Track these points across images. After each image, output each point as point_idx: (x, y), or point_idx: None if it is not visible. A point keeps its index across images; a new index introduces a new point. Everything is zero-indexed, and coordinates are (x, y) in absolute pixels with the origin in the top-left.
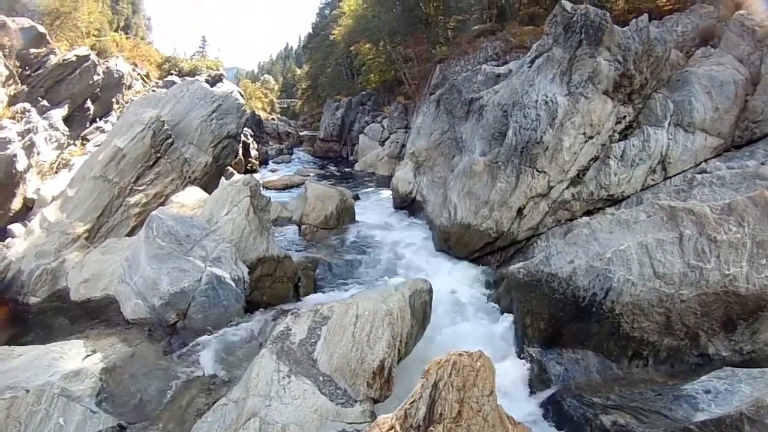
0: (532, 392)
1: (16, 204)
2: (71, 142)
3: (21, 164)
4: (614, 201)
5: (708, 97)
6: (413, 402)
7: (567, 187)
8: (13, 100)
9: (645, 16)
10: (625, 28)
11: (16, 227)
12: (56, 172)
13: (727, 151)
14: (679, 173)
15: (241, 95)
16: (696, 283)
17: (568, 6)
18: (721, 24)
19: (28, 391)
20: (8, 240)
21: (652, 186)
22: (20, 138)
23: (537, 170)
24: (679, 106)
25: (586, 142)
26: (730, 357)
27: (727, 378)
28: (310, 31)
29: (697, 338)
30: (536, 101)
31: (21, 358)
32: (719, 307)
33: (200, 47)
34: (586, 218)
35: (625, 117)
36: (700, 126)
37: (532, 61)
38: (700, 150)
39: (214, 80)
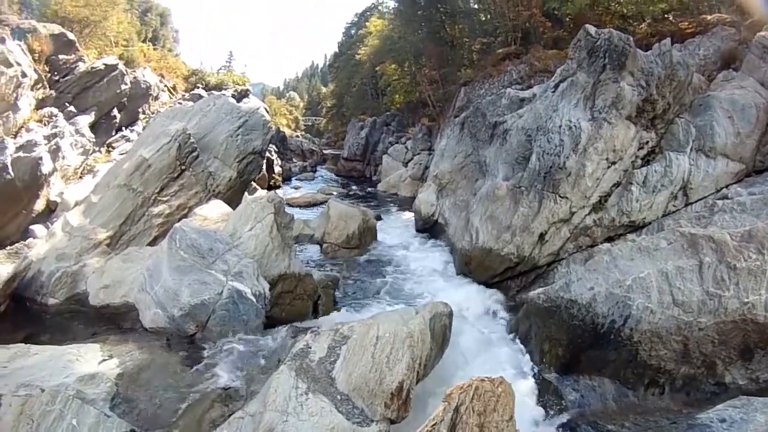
0: (547, 418)
1: (39, 205)
2: (96, 148)
3: (46, 167)
4: (635, 227)
5: (730, 122)
6: (434, 425)
7: (589, 213)
8: (40, 104)
9: (668, 40)
10: (648, 53)
11: (37, 228)
12: (80, 177)
13: (748, 176)
14: (700, 199)
15: (267, 112)
16: (714, 311)
17: (592, 30)
18: (742, 46)
19: (43, 390)
20: (29, 240)
21: (674, 212)
22: (46, 141)
23: (559, 196)
24: (701, 131)
25: (608, 167)
26: (746, 385)
27: (743, 407)
28: (336, 50)
29: (714, 367)
30: (560, 126)
31: (37, 357)
32: (737, 335)
33: (227, 62)
34: (607, 245)
35: (647, 142)
36: (721, 151)
37: (556, 86)
38: (722, 175)
39: (241, 95)
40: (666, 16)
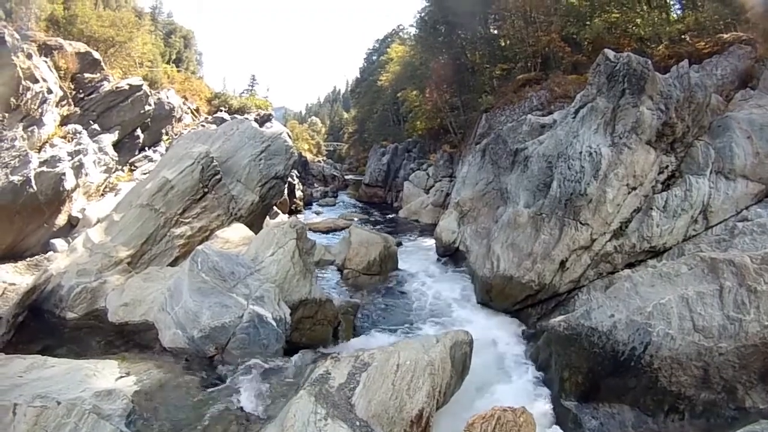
0: None
1: (61, 220)
2: (119, 167)
3: (69, 183)
4: (656, 253)
5: (749, 142)
6: None
7: (609, 240)
8: (65, 121)
9: (685, 62)
10: (667, 75)
11: (58, 242)
12: (102, 195)
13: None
14: (720, 222)
15: (290, 137)
16: (735, 335)
17: (611, 55)
18: (759, 64)
19: (59, 402)
20: (50, 253)
21: (694, 236)
22: (70, 158)
23: (580, 222)
24: (720, 153)
25: (629, 193)
26: (767, 410)
27: (763, 430)
28: (358, 75)
29: (734, 391)
30: (580, 152)
31: (53, 370)
32: (758, 358)
33: (249, 85)
34: (627, 271)
35: (667, 166)
36: (741, 172)
37: (576, 112)
38: (742, 197)
39: (263, 120)
40: (683, 36)
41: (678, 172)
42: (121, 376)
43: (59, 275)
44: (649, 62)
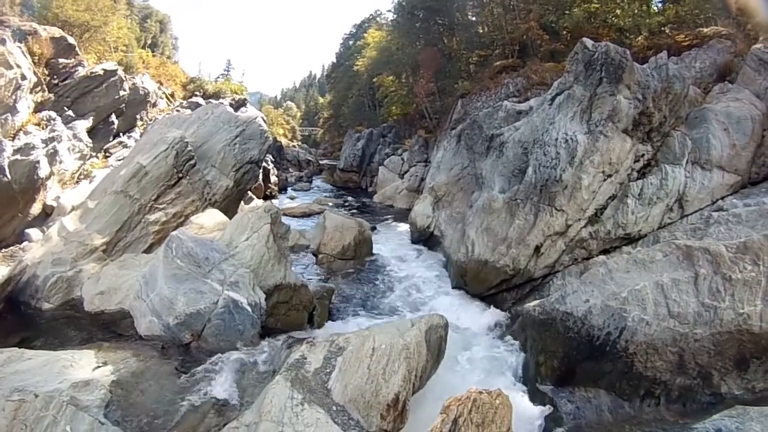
0: (543, 430)
1: (36, 209)
2: (94, 154)
3: (43, 171)
4: (631, 240)
5: (725, 134)
6: None
7: (584, 226)
8: (39, 107)
9: (664, 53)
10: (645, 66)
11: (33, 232)
12: (77, 182)
13: (743, 188)
14: (696, 211)
15: (264, 121)
16: (710, 322)
17: (589, 43)
18: (738, 59)
19: (36, 395)
20: (25, 243)
21: (669, 224)
22: (44, 145)
23: (555, 208)
24: (697, 144)
25: (604, 180)
26: (742, 395)
27: (739, 416)
28: (334, 60)
29: (709, 377)
30: (556, 139)
31: (30, 362)
32: (732, 345)
33: (225, 70)
34: (602, 257)
35: (643, 155)
36: (717, 163)
37: (553, 99)
38: (717, 187)
39: (238, 104)
40: (663, 29)
41: (654, 161)
42: (99, 366)
43: (34, 265)
44: (628, 52)
